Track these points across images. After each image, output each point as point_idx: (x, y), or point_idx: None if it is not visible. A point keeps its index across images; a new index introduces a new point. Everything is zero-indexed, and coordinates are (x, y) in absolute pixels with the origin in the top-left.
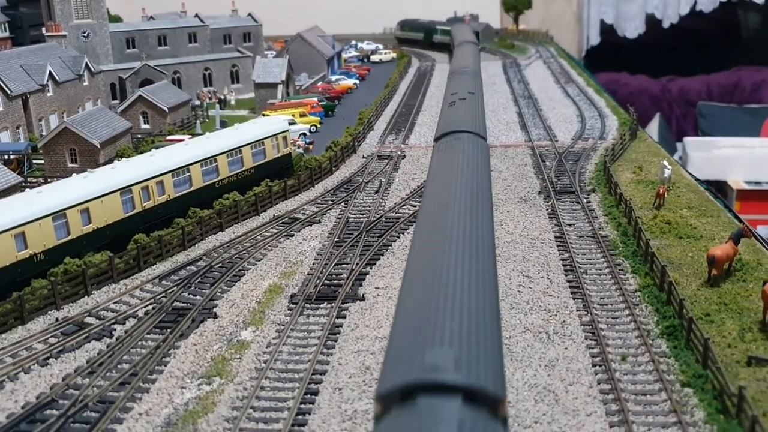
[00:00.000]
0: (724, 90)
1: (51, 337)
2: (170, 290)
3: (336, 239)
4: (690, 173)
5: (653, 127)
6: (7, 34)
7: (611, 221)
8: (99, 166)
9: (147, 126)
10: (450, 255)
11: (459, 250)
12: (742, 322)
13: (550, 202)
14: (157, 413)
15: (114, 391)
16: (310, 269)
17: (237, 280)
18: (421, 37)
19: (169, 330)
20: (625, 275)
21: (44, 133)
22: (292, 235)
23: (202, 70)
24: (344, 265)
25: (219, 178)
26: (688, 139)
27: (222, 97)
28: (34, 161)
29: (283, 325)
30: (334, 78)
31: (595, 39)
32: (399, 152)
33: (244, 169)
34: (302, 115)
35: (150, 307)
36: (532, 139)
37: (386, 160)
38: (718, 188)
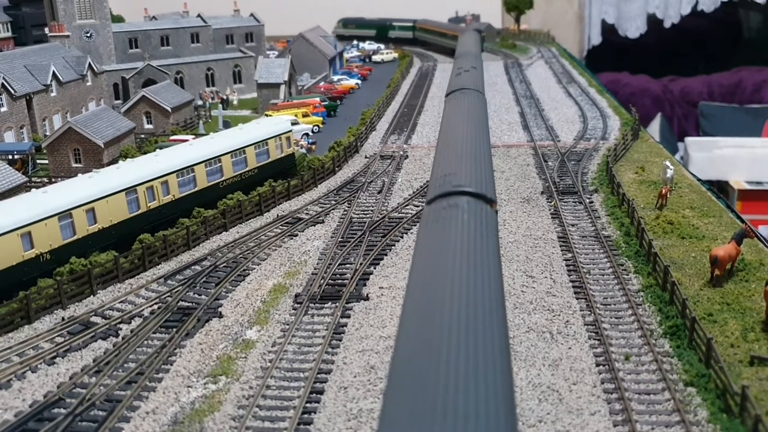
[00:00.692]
0: (726, 90)
1: (57, 336)
2: (175, 290)
3: (340, 239)
4: (692, 173)
5: (654, 128)
6: (9, 34)
7: (614, 221)
8: (103, 166)
9: (150, 126)
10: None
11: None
12: (745, 322)
13: (552, 203)
14: (164, 412)
15: (121, 390)
16: (315, 269)
17: (242, 280)
18: (373, 34)
19: (174, 329)
20: (628, 275)
21: (48, 134)
22: (296, 235)
23: (205, 70)
24: (348, 265)
25: (223, 178)
26: (689, 139)
27: (224, 97)
28: (38, 161)
29: (288, 325)
30: (336, 78)
31: (596, 39)
32: (402, 152)
33: (247, 169)
34: (305, 116)
35: (155, 306)
36: (535, 139)
37: (389, 160)
38: (720, 188)
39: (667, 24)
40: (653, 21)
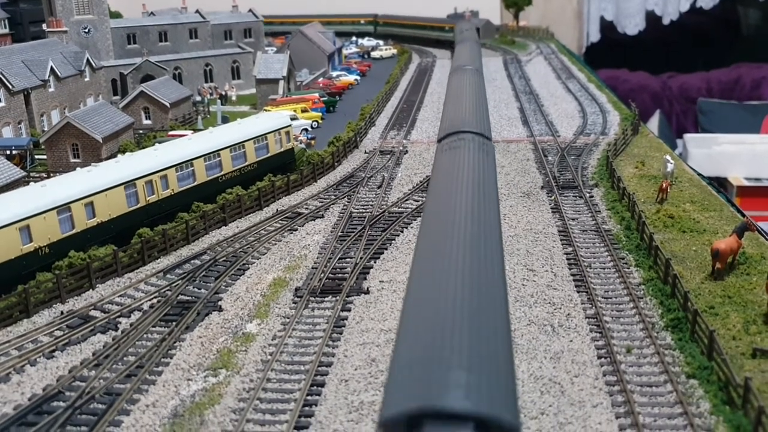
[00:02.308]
0: (724, 87)
1: (56, 329)
2: (175, 284)
3: (340, 233)
4: (692, 168)
5: (653, 124)
6: (7, 30)
7: (614, 215)
8: (101, 161)
9: (149, 121)
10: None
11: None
12: (747, 314)
13: (553, 197)
14: (164, 405)
15: (120, 383)
16: (315, 263)
17: (241, 274)
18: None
19: (174, 323)
20: (629, 269)
21: (46, 129)
22: (296, 230)
23: (203, 65)
24: (348, 259)
25: (222, 172)
26: (688, 136)
27: (223, 92)
28: (37, 156)
29: (288, 318)
30: (335, 74)
31: (595, 36)
32: (401, 147)
33: (247, 163)
34: (304, 111)
35: (155, 300)
36: (534, 134)
37: (388, 156)
38: (719, 185)
39: (665, 21)
40: (652, 18)
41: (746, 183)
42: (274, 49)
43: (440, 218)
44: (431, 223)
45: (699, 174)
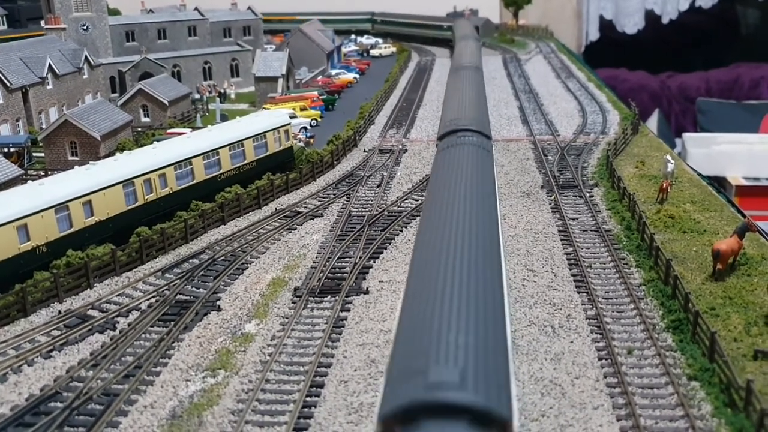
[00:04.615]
0: (723, 86)
1: (54, 329)
2: (173, 283)
3: (339, 233)
4: (692, 168)
5: (652, 123)
6: (5, 27)
7: (614, 215)
8: (100, 159)
9: (147, 119)
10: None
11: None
12: (748, 316)
13: (553, 197)
14: (162, 406)
15: (118, 384)
16: (314, 263)
17: (240, 274)
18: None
19: (172, 323)
20: (629, 269)
21: (44, 126)
22: (295, 229)
23: (202, 63)
24: (347, 259)
25: (221, 171)
26: (687, 135)
27: (222, 90)
28: (34, 154)
29: (287, 318)
30: (334, 72)
31: (594, 34)
32: (401, 146)
33: (246, 162)
34: (303, 109)
35: (153, 299)
36: (534, 133)
37: (388, 154)
38: (717, 184)
39: (665, 20)
40: (651, 17)
41: (745, 183)
42: (273, 46)
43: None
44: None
45: (699, 174)
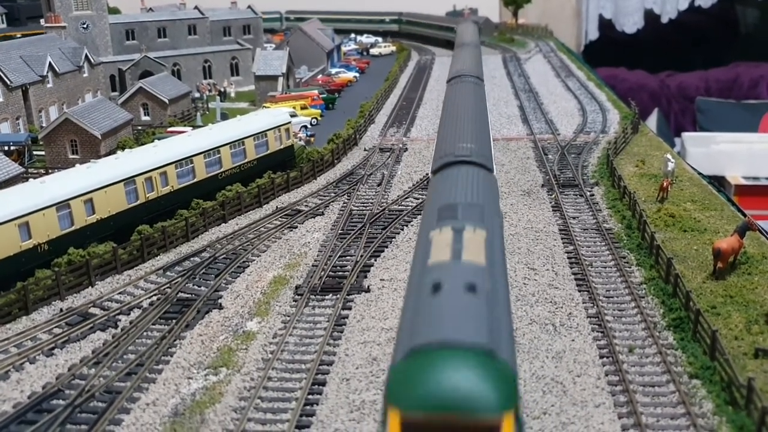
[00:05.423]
0: (723, 85)
1: (55, 327)
2: (174, 281)
3: (340, 231)
4: (692, 167)
5: (652, 123)
6: (5, 25)
7: (615, 214)
8: (100, 157)
9: (147, 118)
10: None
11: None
12: (749, 314)
13: (553, 195)
14: (164, 403)
15: (121, 381)
16: (315, 261)
17: (241, 272)
18: None
19: (174, 321)
20: (630, 268)
21: (44, 125)
22: (296, 227)
23: (202, 62)
24: (349, 257)
25: (222, 169)
26: (686, 135)
27: (222, 89)
28: (35, 152)
29: (288, 317)
30: (333, 71)
31: (593, 34)
32: (401, 145)
33: (247, 160)
34: (303, 108)
35: (154, 297)
36: (534, 132)
37: (388, 153)
38: (717, 183)
39: (664, 19)
40: (650, 16)
41: (744, 182)
42: (273, 45)
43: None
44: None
45: (699, 173)
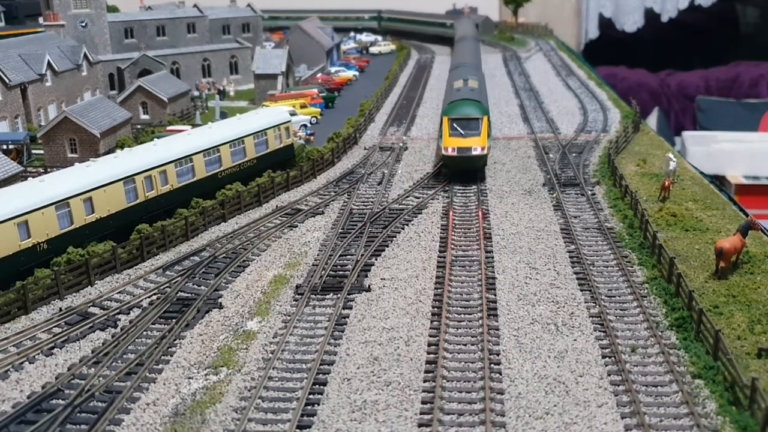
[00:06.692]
0: (723, 84)
1: (55, 326)
2: (174, 280)
3: (340, 230)
4: (694, 166)
5: (652, 122)
6: (3, 24)
7: (617, 213)
8: (99, 156)
9: (147, 116)
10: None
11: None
12: (751, 314)
13: (554, 194)
14: (165, 403)
15: (120, 381)
16: (315, 260)
17: (241, 271)
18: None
19: (174, 320)
20: (632, 267)
21: (43, 123)
22: (296, 226)
23: (201, 60)
24: (349, 256)
25: (222, 168)
26: (686, 134)
27: (221, 87)
28: (34, 151)
29: (289, 316)
30: (333, 69)
31: (593, 33)
32: (401, 144)
33: (246, 159)
34: (303, 107)
35: (154, 297)
36: (535, 131)
37: (388, 152)
38: (717, 182)
39: (664, 18)
40: (650, 15)
41: (744, 181)
42: (273, 44)
43: None
44: None
45: (701, 172)
